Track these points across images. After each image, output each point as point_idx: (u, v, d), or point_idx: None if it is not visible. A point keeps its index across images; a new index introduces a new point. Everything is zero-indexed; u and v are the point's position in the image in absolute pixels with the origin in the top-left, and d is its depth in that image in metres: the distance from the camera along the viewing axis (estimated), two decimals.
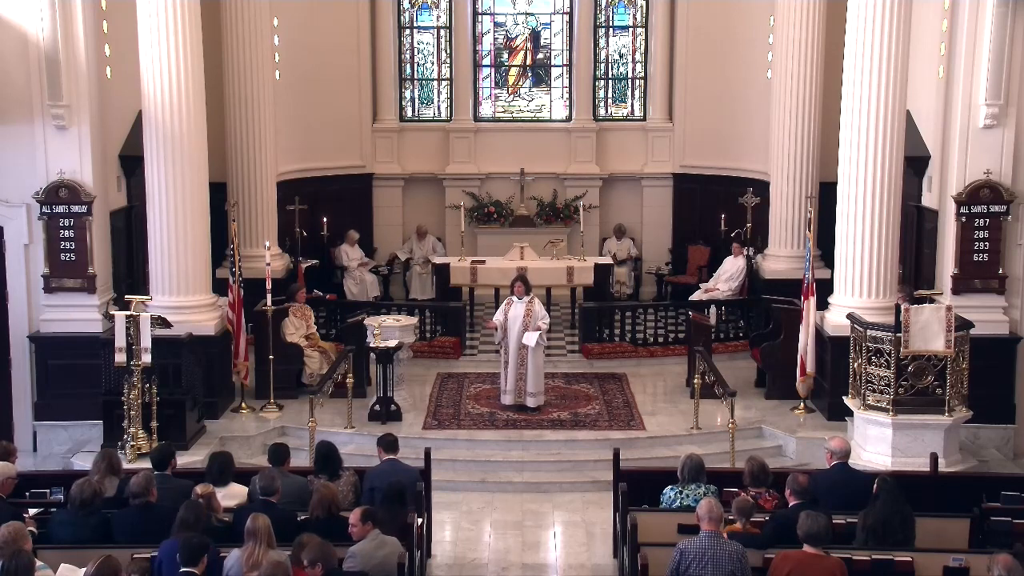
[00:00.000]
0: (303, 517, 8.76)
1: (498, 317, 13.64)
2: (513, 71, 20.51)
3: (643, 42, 20.16)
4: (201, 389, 12.93)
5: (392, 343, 13.67)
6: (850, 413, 12.30)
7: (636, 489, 9.80)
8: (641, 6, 20.09)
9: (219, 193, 15.60)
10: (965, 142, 12.85)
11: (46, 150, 12.89)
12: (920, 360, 11.53)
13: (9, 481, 9.04)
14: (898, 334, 11.44)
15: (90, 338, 12.89)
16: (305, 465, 11.06)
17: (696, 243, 19.26)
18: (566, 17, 20.21)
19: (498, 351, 13.99)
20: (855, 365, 12.01)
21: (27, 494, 9.74)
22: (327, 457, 9.73)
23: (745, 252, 17.34)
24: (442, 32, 20.26)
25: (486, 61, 20.43)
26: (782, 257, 16.61)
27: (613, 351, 15.87)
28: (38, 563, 7.52)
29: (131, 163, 13.97)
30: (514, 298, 13.61)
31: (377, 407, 13.39)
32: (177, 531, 7.84)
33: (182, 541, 7.57)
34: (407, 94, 20.43)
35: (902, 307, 11.52)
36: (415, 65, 20.39)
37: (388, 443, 10.00)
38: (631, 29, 20.27)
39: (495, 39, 20.42)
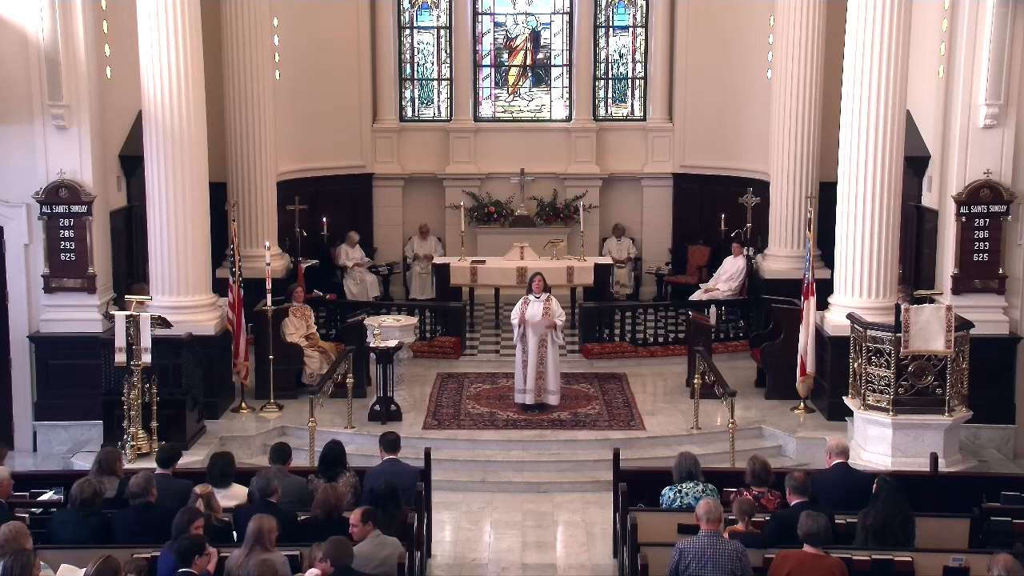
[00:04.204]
0: (303, 517, 8.75)
1: (515, 315, 13.60)
2: (513, 71, 20.51)
3: (643, 42, 20.17)
4: (201, 389, 12.93)
5: (392, 343, 13.67)
6: (850, 413, 12.30)
7: (636, 489, 9.80)
8: (641, 6, 20.10)
9: (219, 193, 15.61)
10: (965, 142, 12.85)
11: (46, 150, 12.90)
12: (920, 360, 11.54)
13: (6, 483, 9.03)
14: (898, 334, 11.44)
15: (90, 338, 12.89)
16: (305, 465, 11.07)
17: (696, 243, 19.26)
18: (566, 17, 20.22)
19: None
20: (855, 365, 12.01)
21: (28, 493, 9.75)
22: (328, 460, 9.66)
23: (745, 252, 17.35)
24: (442, 32, 20.27)
25: (486, 61, 20.43)
26: (782, 257, 16.62)
27: (613, 351, 15.87)
28: (39, 563, 7.51)
29: (131, 163, 13.97)
30: (531, 296, 13.56)
31: (377, 407, 13.39)
32: (173, 539, 7.83)
33: (176, 542, 7.58)
34: (407, 94, 20.43)
35: (902, 307, 11.52)
36: (415, 65, 20.40)
37: (389, 442, 9.98)
38: (631, 29, 20.28)
39: (495, 39, 20.42)
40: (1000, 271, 12.99)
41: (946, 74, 13.13)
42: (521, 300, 13.67)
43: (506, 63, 20.48)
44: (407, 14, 20.24)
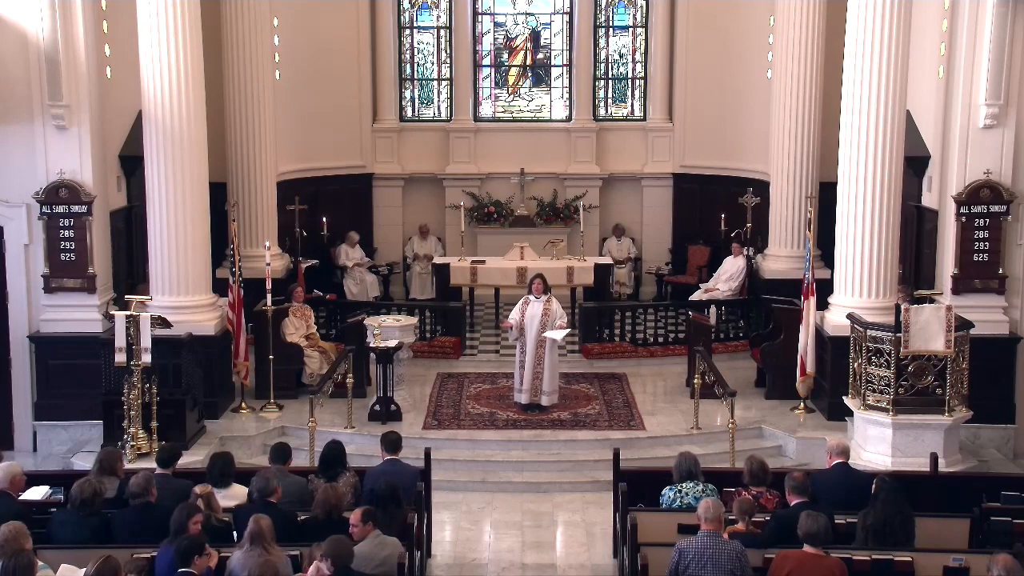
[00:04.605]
0: (303, 517, 8.75)
1: (514, 316, 13.53)
2: (513, 71, 20.51)
3: (643, 42, 20.17)
4: (201, 389, 12.93)
5: (392, 343, 13.67)
6: (850, 413, 12.30)
7: (636, 489, 9.80)
8: (641, 6, 20.10)
9: (219, 193, 15.60)
10: (965, 142, 12.85)
11: (46, 150, 12.89)
12: (920, 360, 11.53)
13: (19, 478, 9.05)
14: (898, 334, 11.44)
15: (90, 338, 12.89)
16: (305, 465, 11.07)
17: (696, 243, 19.26)
18: (566, 17, 20.22)
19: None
20: (855, 365, 12.01)
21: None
22: (328, 460, 9.65)
23: (745, 252, 17.35)
24: (442, 32, 20.27)
25: (486, 61, 20.43)
26: (782, 257, 16.62)
27: (613, 351, 15.87)
28: (38, 563, 7.51)
29: (131, 163, 13.97)
30: (531, 297, 13.55)
31: (377, 407, 13.39)
32: (171, 535, 7.83)
33: (176, 542, 7.58)
34: (407, 94, 20.44)
35: (902, 307, 11.52)
36: (415, 65, 20.40)
37: (390, 443, 9.96)
38: (631, 29, 20.28)
39: (495, 39, 20.42)
40: (1000, 271, 12.99)
41: (946, 74, 13.13)
42: (522, 300, 13.67)
43: (506, 63, 20.48)
44: (407, 14, 20.24)
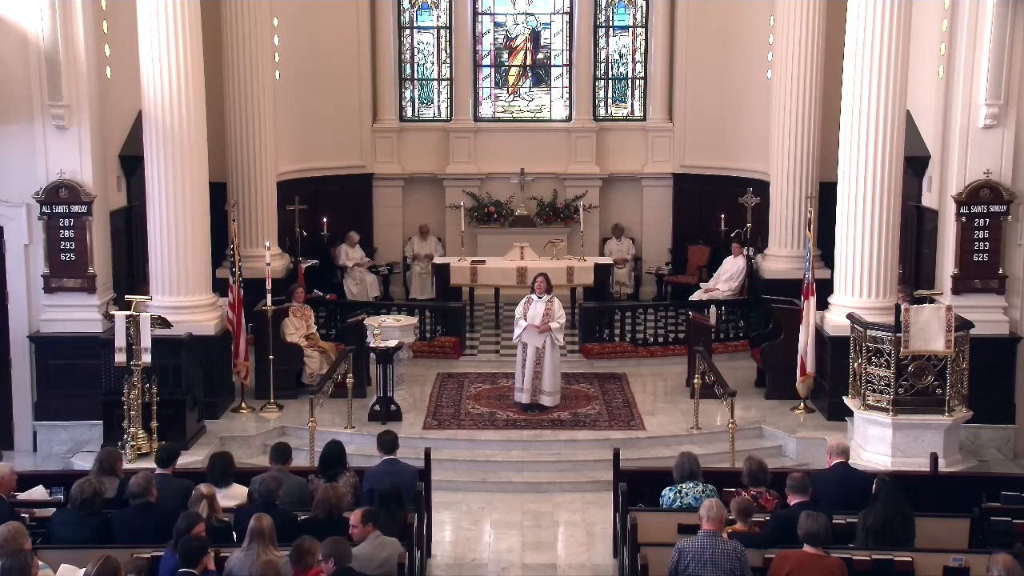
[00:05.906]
0: (303, 517, 8.75)
1: (519, 312, 13.57)
2: (513, 71, 20.52)
3: (643, 42, 20.17)
4: (201, 389, 12.92)
5: (392, 343, 13.67)
6: (850, 413, 12.30)
7: (636, 489, 9.80)
8: (641, 6, 20.10)
9: (219, 193, 15.60)
10: (965, 142, 12.85)
11: (46, 150, 12.90)
12: (920, 360, 11.53)
13: (8, 479, 9.03)
14: (898, 334, 11.44)
15: (90, 338, 12.89)
16: (305, 465, 11.07)
17: (696, 243, 19.26)
18: (566, 17, 20.22)
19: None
20: (855, 365, 12.01)
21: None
22: (328, 460, 9.65)
23: (745, 252, 17.35)
24: (442, 32, 20.27)
25: (486, 61, 20.43)
26: (782, 257, 16.62)
27: (613, 351, 15.87)
28: (38, 563, 7.51)
29: (131, 163, 13.97)
30: (534, 296, 13.53)
31: (377, 407, 13.39)
32: (175, 540, 7.83)
33: (180, 542, 7.58)
34: (407, 94, 20.44)
35: (902, 307, 11.52)
36: (415, 65, 20.40)
37: (386, 443, 9.95)
38: (631, 29, 20.29)
39: (495, 39, 20.43)
40: (1000, 271, 12.99)
41: (946, 74, 13.13)
42: (524, 300, 13.65)
43: (506, 63, 20.48)
44: (407, 14, 20.25)
